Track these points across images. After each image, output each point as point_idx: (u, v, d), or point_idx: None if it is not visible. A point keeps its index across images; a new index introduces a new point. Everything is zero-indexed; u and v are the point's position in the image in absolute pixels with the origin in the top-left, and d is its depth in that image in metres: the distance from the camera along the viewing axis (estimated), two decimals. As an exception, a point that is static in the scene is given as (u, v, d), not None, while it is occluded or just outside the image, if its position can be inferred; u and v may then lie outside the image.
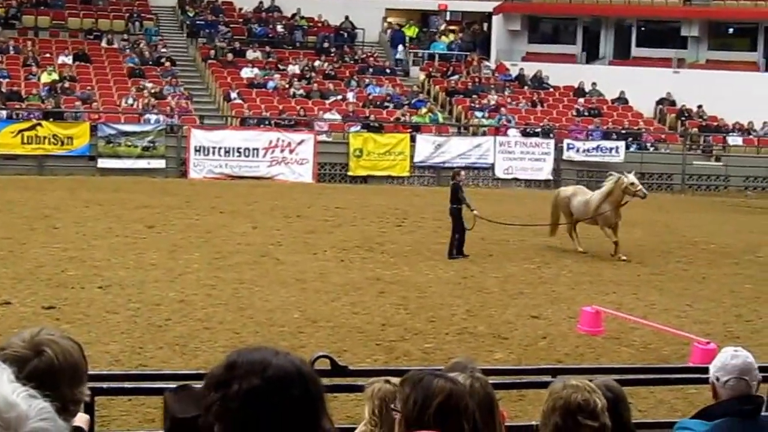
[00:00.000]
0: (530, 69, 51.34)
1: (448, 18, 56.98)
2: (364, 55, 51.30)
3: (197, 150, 40.52)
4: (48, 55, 46.01)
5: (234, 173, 40.47)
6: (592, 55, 53.93)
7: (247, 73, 47.03)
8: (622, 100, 49.68)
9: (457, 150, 43.05)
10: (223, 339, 15.88)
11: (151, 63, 46.67)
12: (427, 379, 4.49)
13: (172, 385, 8.45)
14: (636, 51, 53.52)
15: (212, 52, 48.04)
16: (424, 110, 46.00)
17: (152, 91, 43.44)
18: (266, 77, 46.88)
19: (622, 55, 53.52)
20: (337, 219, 29.87)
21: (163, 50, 47.99)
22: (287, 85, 46.48)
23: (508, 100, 48.46)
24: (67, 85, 43.16)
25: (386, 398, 5.91)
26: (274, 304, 18.70)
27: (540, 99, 49.19)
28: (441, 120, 46.25)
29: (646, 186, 44.21)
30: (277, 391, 3.20)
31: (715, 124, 48.46)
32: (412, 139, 42.91)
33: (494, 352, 15.99)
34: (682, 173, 45.08)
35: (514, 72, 51.60)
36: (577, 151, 44.42)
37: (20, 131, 39.27)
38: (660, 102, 50.18)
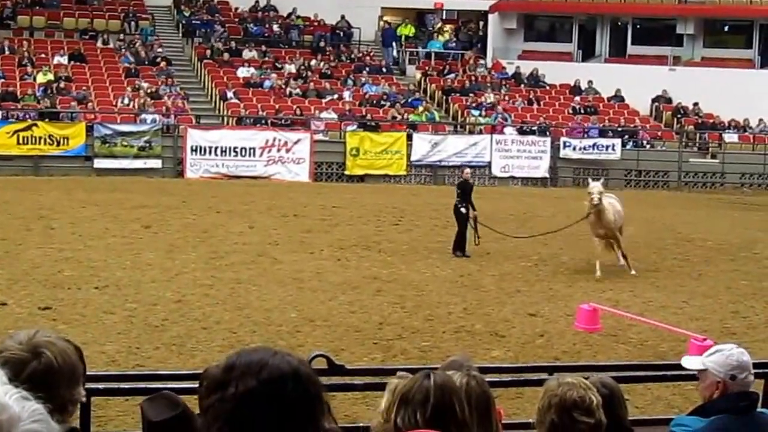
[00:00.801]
0: (526, 67, 51.31)
1: (444, 16, 56.94)
2: (360, 54, 51.28)
3: (194, 150, 40.49)
4: (43, 55, 45.93)
5: (230, 173, 40.46)
6: (588, 53, 53.90)
7: (243, 72, 47.00)
8: (618, 97, 49.67)
9: (453, 148, 43.05)
10: (220, 339, 15.90)
11: (146, 63, 46.62)
12: (420, 378, 4.51)
13: (170, 385, 8.46)
14: (632, 49, 53.48)
15: (208, 51, 48.00)
16: (420, 109, 45.99)
17: (148, 90, 43.39)
18: (262, 76, 46.84)
19: (618, 53, 53.49)
20: (333, 218, 29.88)
21: (159, 50, 47.94)
22: (283, 85, 46.44)
23: (506, 98, 48.43)
24: (62, 85, 43.10)
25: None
26: (272, 303, 18.72)
27: (536, 97, 49.18)
28: (437, 118, 46.24)
29: (643, 183, 44.67)
30: (272, 392, 3.21)
31: (711, 121, 48.47)
32: (409, 138, 42.91)
33: (491, 350, 16.02)
34: (679, 170, 45.09)
35: (510, 70, 51.57)
36: (574, 149, 44.42)
37: (16, 132, 39.24)
38: (656, 99, 50.18)
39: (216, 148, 40.65)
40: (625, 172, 44.72)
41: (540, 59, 51.88)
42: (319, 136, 42.63)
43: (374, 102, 46.22)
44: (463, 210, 25.04)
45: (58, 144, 39.45)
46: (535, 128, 45.73)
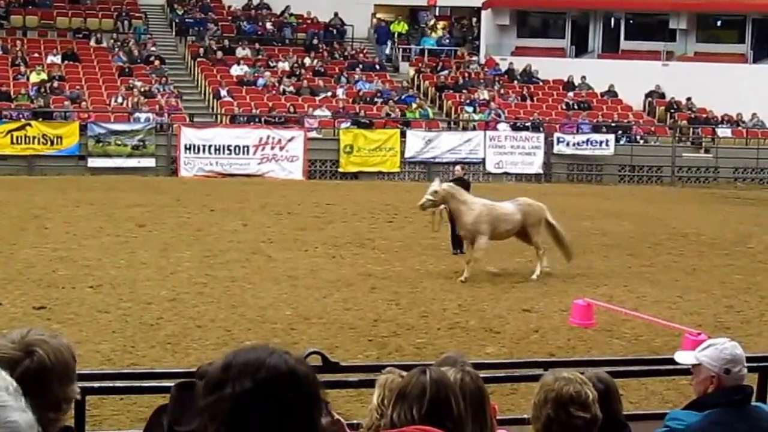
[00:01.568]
0: (519, 63, 51.34)
1: (437, 13, 56.97)
2: (354, 52, 51.29)
3: (187, 148, 40.49)
4: (36, 54, 45.90)
5: (224, 171, 40.46)
6: (581, 48, 53.95)
7: (236, 70, 47.00)
8: (611, 93, 49.72)
9: (447, 145, 43.07)
10: (214, 337, 15.89)
11: (140, 61, 46.61)
12: (417, 375, 4.52)
13: (165, 383, 8.47)
14: (625, 44, 53.56)
15: (201, 50, 47.98)
16: (414, 106, 46.00)
17: (142, 89, 43.39)
18: (256, 74, 46.84)
19: (611, 49, 53.54)
20: (327, 215, 29.87)
21: (152, 49, 47.90)
22: (277, 83, 46.44)
23: (501, 91, 48.41)
24: (56, 84, 43.08)
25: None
26: (266, 301, 18.71)
27: (529, 93, 49.20)
28: (431, 115, 46.25)
29: (636, 178, 44.71)
30: (269, 392, 3.20)
31: (704, 116, 48.56)
32: (403, 135, 42.92)
33: (486, 346, 16.02)
34: (672, 165, 45.14)
35: (503, 66, 51.59)
36: (567, 144, 44.45)
37: (9, 131, 39.21)
38: (649, 95, 50.24)
39: (210, 146, 40.65)
40: (618, 167, 44.78)
41: (533, 55, 51.92)
42: (313, 134, 42.63)
43: (368, 99, 46.22)
44: None
45: (52, 143, 39.43)
46: (528, 124, 45.77)
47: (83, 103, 42.26)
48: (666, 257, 25.02)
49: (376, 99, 46.27)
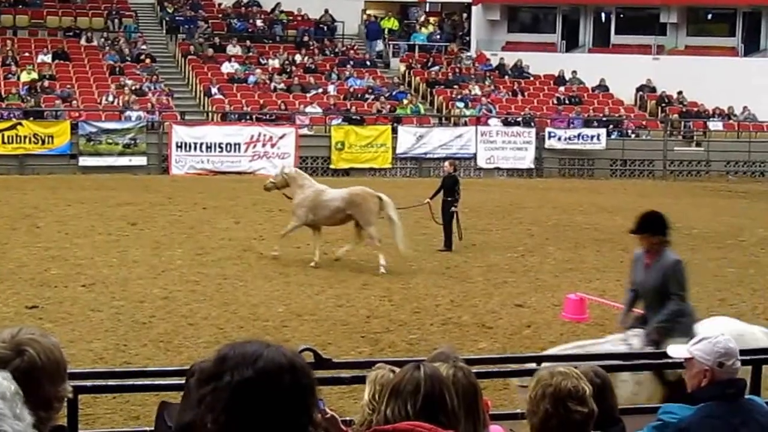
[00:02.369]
0: (510, 58, 51.37)
1: (427, 9, 56.96)
2: (344, 48, 51.25)
3: (179, 146, 40.47)
4: (27, 54, 45.82)
5: (216, 169, 40.43)
6: (571, 43, 53.95)
7: (227, 68, 46.97)
8: (602, 87, 49.74)
9: (438, 140, 43.07)
10: (207, 335, 15.89)
11: (130, 60, 46.55)
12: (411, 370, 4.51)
13: (157, 381, 8.46)
14: (615, 38, 53.56)
15: (192, 47, 47.94)
16: (405, 102, 45.99)
17: (132, 88, 43.33)
18: (246, 72, 46.80)
19: (601, 43, 53.55)
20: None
21: (143, 47, 47.83)
22: (268, 80, 46.41)
23: (492, 87, 48.41)
24: (46, 83, 43.01)
25: (386, 385, 5.93)
26: (258, 298, 18.71)
27: (520, 88, 49.21)
28: (422, 111, 46.25)
29: (628, 173, 44.75)
30: (268, 382, 3.24)
31: (696, 109, 48.61)
32: (394, 131, 42.91)
33: (479, 342, 16.03)
34: (664, 159, 45.19)
35: (494, 61, 51.61)
36: (559, 139, 44.46)
37: (0, 131, 39.12)
38: (640, 89, 50.26)
39: (201, 144, 40.62)
40: (610, 161, 44.83)
41: (524, 50, 51.94)
42: (304, 131, 42.63)
43: (359, 96, 46.22)
44: (453, 208, 24.85)
45: (43, 143, 39.36)
46: (519, 119, 45.77)
47: (74, 102, 42.18)
48: (658, 251, 24.99)
49: (367, 95, 46.27)
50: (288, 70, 47.65)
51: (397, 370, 5.06)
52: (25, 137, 39.21)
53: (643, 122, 47.93)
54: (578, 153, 44.47)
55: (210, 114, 43.91)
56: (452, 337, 16.13)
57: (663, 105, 48.98)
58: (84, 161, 39.62)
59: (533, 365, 8.65)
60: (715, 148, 45.74)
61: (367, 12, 54.62)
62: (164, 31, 50.72)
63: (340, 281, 20.40)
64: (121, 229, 26.06)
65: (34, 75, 43.54)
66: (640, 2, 53.56)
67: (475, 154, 43.36)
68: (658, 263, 11.08)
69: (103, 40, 47.92)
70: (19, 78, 43.46)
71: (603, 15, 54.49)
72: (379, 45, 52.54)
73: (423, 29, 53.79)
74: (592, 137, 44.63)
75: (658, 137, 46.12)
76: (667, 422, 6.04)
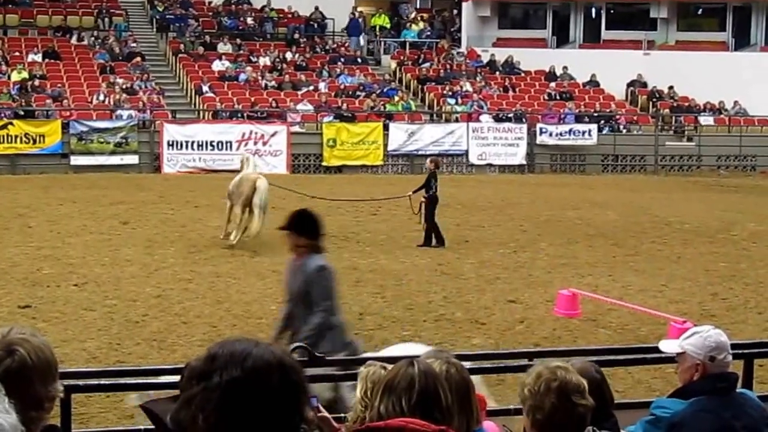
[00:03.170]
0: (501, 54, 51.37)
1: (417, 6, 56.98)
2: (335, 45, 51.25)
3: (170, 144, 40.44)
4: (17, 53, 45.77)
5: (208, 167, 40.39)
6: (562, 39, 54.00)
7: (218, 66, 46.94)
8: (593, 83, 49.79)
9: (430, 137, 43.08)
10: (200, 333, 15.88)
11: (121, 59, 46.50)
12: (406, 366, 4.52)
13: (151, 380, 8.45)
14: (606, 34, 53.62)
15: (182, 46, 47.90)
16: (396, 98, 45.99)
17: (123, 86, 43.28)
18: (237, 70, 46.77)
19: (592, 39, 53.60)
20: (312, 209, 29.78)
21: (133, 45, 47.79)
22: (259, 77, 46.38)
23: (483, 83, 48.41)
24: (37, 83, 42.95)
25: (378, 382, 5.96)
26: (251, 296, 18.70)
27: (511, 84, 49.24)
28: (413, 108, 46.24)
29: (620, 168, 44.78)
30: (257, 381, 3.24)
31: (687, 104, 48.68)
32: (385, 128, 42.91)
33: (472, 338, 16.04)
34: (655, 154, 45.21)
35: (485, 58, 51.64)
36: (550, 135, 44.49)
37: (-9, 131, 39.13)
38: (631, 84, 50.33)
39: (192, 142, 40.60)
40: (601, 157, 44.85)
41: (514, 46, 51.94)
42: (296, 128, 42.61)
43: (350, 93, 46.20)
44: (423, 198, 24.83)
45: (34, 142, 39.31)
46: (511, 115, 45.79)
47: (65, 101, 42.16)
48: (650, 246, 25.08)
49: (358, 92, 46.26)
50: (279, 67, 47.64)
51: (389, 366, 5.07)
52: (16, 137, 39.15)
53: (635, 117, 47.99)
54: (570, 148, 44.50)
55: (201, 112, 43.89)
56: (445, 334, 16.15)
57: (654, 100, 49.06)
58: (75, 160, 39.57)
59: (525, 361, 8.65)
60: (707, 142, 45.79)
61: (358, 9, 54.60)
62: (155, 30, 50.66)
63: (333, 279, 20.37)
64: (114, 228, 26.03)
65: (25, 74, 43.46)
66: (630, -3, 53.68)
67: (466, 151, 43.37)
68: (303, 268, 10.37)
69: (93, 39, 47.85)
70: (9, 77, 43.39)
71: (593, 10, 54.52)
72: (361, 41, 52.44)
73: (413, 26, 53.78)
74: (584, 133, 44.66)
75: (650, 132, 46.16)
76: (659, 417, 6.06)
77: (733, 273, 21.74)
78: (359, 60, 50.39)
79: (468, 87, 47.74)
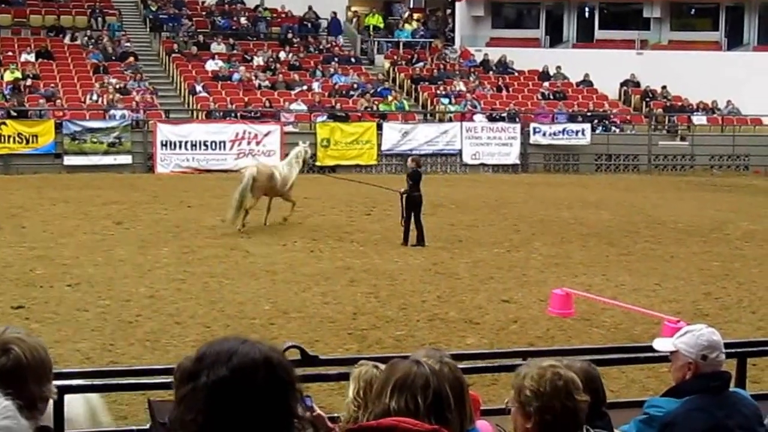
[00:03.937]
0: (494, 54, 51.40)
1: (411, 5, 56.99)
2: (329, 45, 51.24)
3: (163, 144, 40.40)
4: (10, 53, 45.71)
5: (201, 167, 40.37)
6: (555, 38, 54.05)
7: (211, 65, 46.90)
8: (586, 82, 49.82)
9: (424, 137, 43.08)
10: (194, 333, 15.86)
11: (114, 58, 46.45)
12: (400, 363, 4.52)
13: (144, 381, 8.44)
14: (599, 33, 53.70)
15: (176, 45, 47.87)
16: (390, 98, 45.99)
17: (117, 86, 43.23)
18: (231, 69, 46.75)
19: (585, 38, 53.66)
20: (305, 209, 29.81)
21: (127, 45, 47.76)
22: (252, 77, 46.37)
23: (476, 83, 48.41)
24: (30, 83, 42.90)
25: (371, 382, 5.95)
26: (245, 296, 18.69)
27: (505, 84, 49.26)
28: (407, 107, 46.23)
29: (613, 167, 44.82)
30: (243, 379, 3.25)
31: (680, 104, 48.73)
32: (379, 128, 42.90)
33: (466, 338, 16.04)
34: (648, 154, 45.26)
35: (478, 57, 51.66)
36: (544, 134, 44.50)
37: (-16, 131, 39.07)
38: (624, 83, 50.38)
39: (186, 142, 40.56)
40: (595, 156, 44.88)
41: (508, 46, 51.99)
42: (289, 128, 42.56)
43: (343, 92, 46.19)
44: (403, 192, 24.82)
45: (28, 142, 39.25)
46: (504, 115, 45.82)
47: (58, 101, 42.13)
48: (644, 245, 25.11)
49: (351, 92, 46.26)
50: (272, 67, 47.62)
51: (382, 366, 5.06)
52: (9, 137, 39.09)
53: (628, 117, 48.02)
54: (563, 148, 44.52)
55: (195, 112, 43.85)
56: (439, 333, 16.16)
57: (647, 99, 49.13)
58: (69, 160, 39.51)
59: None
60: (700, 142, 45.86)
61: (352, 9, 54.60)
62: (148, 30, 50.60)
63: (327, 278, 20.39)
64: (107, 228, 26.02)
65: (18, 74, 43.40)
66: (623, -3, 53.74)
67: (460, 150, 43.38)
68: None
69: (86, 38, 47.81)
70: (2, 77, 43.32)
71: (586, 10, 54.60)
72: (340, 39, 52.36)
73: (407, 26, 53.82)
74: (577, 132, 44.69)
75: (643, 132, 46.22)
76: (653, 416, 6.06)
77: (726, 272, 21.77)
78: (353, 60, 50.38)
79: (461, 87, 47.77)
